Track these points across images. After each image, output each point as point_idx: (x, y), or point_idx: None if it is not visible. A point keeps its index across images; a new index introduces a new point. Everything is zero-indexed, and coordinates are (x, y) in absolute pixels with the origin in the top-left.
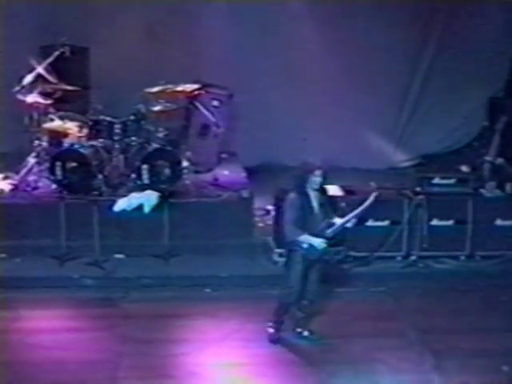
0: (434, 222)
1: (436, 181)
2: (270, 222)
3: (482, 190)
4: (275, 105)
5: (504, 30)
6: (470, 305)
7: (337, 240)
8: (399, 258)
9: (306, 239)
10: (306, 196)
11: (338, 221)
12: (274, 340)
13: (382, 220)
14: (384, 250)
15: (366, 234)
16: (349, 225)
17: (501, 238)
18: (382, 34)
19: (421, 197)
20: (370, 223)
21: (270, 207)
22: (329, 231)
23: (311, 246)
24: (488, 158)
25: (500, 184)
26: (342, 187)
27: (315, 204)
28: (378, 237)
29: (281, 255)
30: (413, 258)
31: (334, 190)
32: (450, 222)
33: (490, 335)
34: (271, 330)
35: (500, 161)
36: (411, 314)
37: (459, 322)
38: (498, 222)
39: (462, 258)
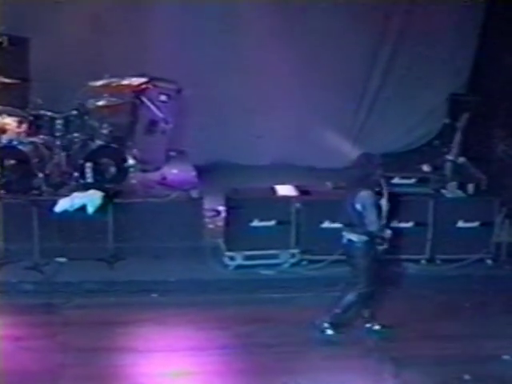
0: (394, 224)
1: (395, 181)
2: (220, 224)
3: (443, 191)
4: (228, 100)
5: (466, 25)
6: (431, 311)
7: None
8: None
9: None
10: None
11: None
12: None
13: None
14: (340, 253)
15: (321, 237)
16: None
17: (462, 240)
18: (340, 28)
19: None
20: (325, 225)
21: (220, 208)
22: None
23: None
24: (449, 157)
25: (462, 184)
26: (297, 187)
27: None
28: (333, 239)
29: (232, 258)
30: None
31: (287, 189)
32: (410, 224)
33: (451, 342)
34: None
35: (462, 160)
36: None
37: (419, 328)
38: (460, 223)
39: (423, 261)
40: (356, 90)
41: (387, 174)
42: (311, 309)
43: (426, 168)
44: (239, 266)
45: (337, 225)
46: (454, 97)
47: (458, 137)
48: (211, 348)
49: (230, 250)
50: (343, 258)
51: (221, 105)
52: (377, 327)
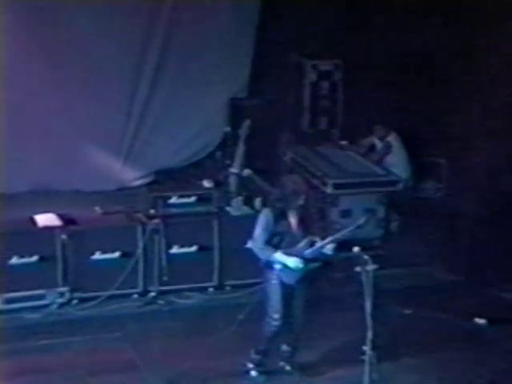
0: (174, 250)
1: (173, 200)
2: None
3: (228, 208)
4: None
5: (241, 25)
6: (225, 344)
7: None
8: (135, 296)
9: (280, 258)
10: (283, 214)
11: (318, 241)
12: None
13: (112, 252)
14: (116, 288)
15: (92, 270)
16: (326, 250)
17: (251, 263)
18: (100, 35)
19: (156, 221)
20: (97, 256)
21: None
22: (308, 252)
23: (286, 266)
24: (233, 170)
25: (248, 199)
26: (60, 216)
27: (293, 222)
28: (107, 272)
29: None
30: (152, 294)
31: (49, 219)
32: (193, 249)
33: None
34: (250, 366)
35: (247, 172)
36: (155, 361)
37: (214, 365)
38: (249, 244)
39: (211, 289)
40: (123, 102)
41: (163, 194)
42: (87, 354)
43: (207, 184)
44: None
45: (109, 255)
46: (233, 102)
47: (240, 146)
48: None
49: None
50: (120, 292)
51: None
52: (288, 368)
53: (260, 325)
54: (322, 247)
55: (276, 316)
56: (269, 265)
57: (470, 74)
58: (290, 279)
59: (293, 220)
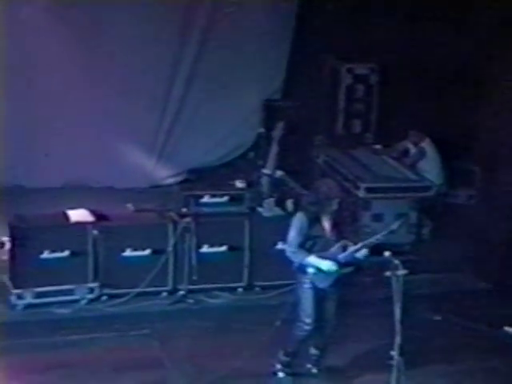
0: (205, 249)
1: (205, 200)
2: (5, 258)
3: (260, 209)
4: (8, 112)
5: (277, 28)
6: (253, 345)
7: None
8: (165, 294)
9: (313, 262)
10: (317, 218)
11: (351, 246)
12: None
13: (142, 249)
14: (146, 285)
15: (122, 267)
16: (359, 255)
17: (281, 264)
18: (136, 33)
19: (188, 219)
20: (127, 253)
21: (5, 239)
22: (341, 256)
23: (319, 270)
24: (265, 171)
25: (280, 201)
26: (92, 211)
27: (327, 227)
28: (137, 269)
29: (20, 297)
30: (181, 292)
31: (81, 215)
32: (224, 249)
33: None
34: (278, 366)
35: (279, 174)
36: (182, 360)
37: (241, 365)
38: (280, 245)
39: (240, 290)
40: (158, 101)
41: (195, 193)
42: (115, 350)
43: (239, 184)
44: (29, 306)
45: (139, 252)
46: (268, 103)
47: (274, 148)
48: None
49: (17, 288)
50: (149, 290)
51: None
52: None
53: (290, 327)
54: (356, 252)
55: (308, 320)
56: (302, 268)
57: (508, 82)
58: (323, 283)
59: (326, 224)
